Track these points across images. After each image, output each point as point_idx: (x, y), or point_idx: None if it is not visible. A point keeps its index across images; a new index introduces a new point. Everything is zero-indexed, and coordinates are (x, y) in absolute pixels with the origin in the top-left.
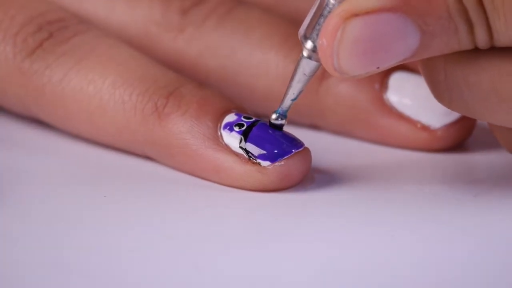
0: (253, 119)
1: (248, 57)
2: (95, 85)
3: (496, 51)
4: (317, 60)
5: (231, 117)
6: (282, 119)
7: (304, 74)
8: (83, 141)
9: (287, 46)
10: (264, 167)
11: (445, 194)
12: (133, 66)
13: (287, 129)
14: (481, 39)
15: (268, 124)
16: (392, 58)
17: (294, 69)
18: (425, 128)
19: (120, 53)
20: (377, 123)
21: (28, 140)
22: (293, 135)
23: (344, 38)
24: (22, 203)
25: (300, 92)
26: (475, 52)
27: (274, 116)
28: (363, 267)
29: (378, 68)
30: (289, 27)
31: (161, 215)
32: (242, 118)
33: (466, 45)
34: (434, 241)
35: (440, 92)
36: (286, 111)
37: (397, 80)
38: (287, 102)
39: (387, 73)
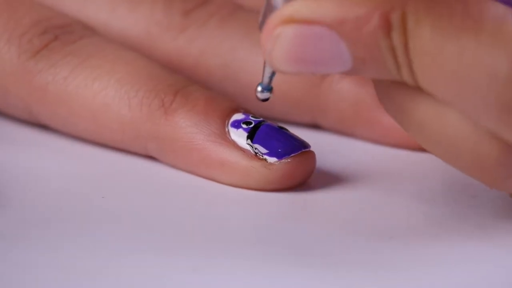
0: (261, 119)
1: (249, 55)
2: (101, 82)
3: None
4: None
5: (239, 116)
6: (266, 91)
7: None
8: (83, 141)
9: None
10: (270, 163)
11: (445, 195)
12: (140, 66)
13: (290, 129)
14: (407, 79)
15: (275, 125)
16: (324, 70)
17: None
18: None
19: (127, 54)
20: (379, 120)
21: (28, 140)
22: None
23: (279, 40)
24: (22, 203)
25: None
26: None
27: (259, 88)
28: (362, 268)
29: (312, 73)
30: None
31: (160, 216)
32: (250, 117)
33: (396, 78)
34: (432, 241)
35: (385, 107)
36: (268, 86)
37: None
38: (265, 79)
39: None
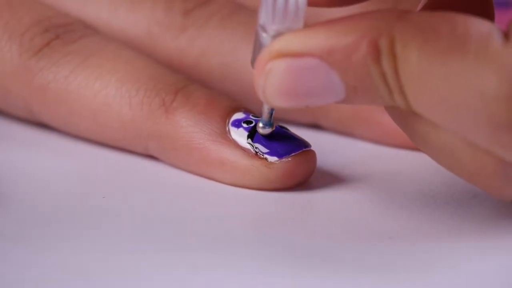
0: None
1: (250, 54)
2: (102, 81)
3: None
4: None
5: (239, 115)
6: (268, 127)
7: None
8: (83, 141)
9: None
10: (270, 162)
11: (445, 195)
12: (141, 65)
13: (290, 129)
14: (400, 104)
15: (276, 124)
16: (317, 102)
17: None
18: None
19: (128, 53)
20: (378, 120)
21: (28, 140)
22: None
23: (271, 75)
24: (22, 203)
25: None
26: None
27: (261, 125)
28: (362, 268)
29: (306, 106)
30: None
31: (160, 215)
32: (251, 116)
33: (390, 104)
34: (433, 241)
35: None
36: (269, 121)
37: None
38: (265, 115)
39: None
